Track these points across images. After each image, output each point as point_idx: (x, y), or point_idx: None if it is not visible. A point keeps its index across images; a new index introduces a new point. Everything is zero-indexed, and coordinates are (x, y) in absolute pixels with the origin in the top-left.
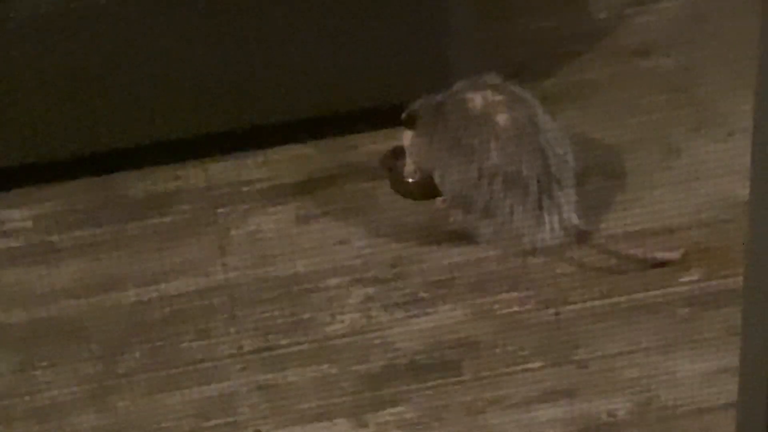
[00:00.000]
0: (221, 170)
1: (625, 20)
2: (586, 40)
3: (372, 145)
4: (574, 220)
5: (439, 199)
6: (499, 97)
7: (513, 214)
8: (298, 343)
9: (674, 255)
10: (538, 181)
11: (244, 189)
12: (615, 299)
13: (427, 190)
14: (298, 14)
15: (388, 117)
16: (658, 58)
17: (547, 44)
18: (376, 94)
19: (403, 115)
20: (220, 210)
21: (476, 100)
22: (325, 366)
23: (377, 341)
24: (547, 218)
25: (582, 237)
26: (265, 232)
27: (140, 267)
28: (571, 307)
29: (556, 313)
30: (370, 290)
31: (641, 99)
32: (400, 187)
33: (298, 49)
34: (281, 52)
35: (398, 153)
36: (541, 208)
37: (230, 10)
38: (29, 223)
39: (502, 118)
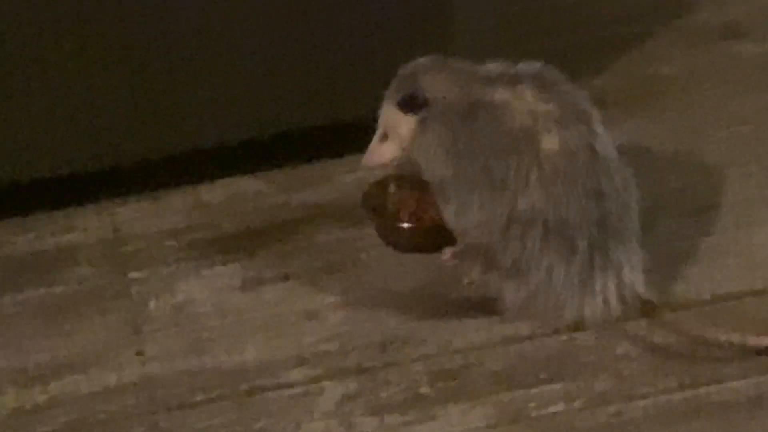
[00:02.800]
0: (134, 216)
1: None
2: (654, 18)
3: (349, 175)
4: (639, 286)
5: (448, 250)
6: (548, 106)
7: (552, 277)
8: None
9: None
10: (590, 234)
11: (168, 243)
12: (700, 391)
13: (429, 236)
14: None
15: (372, 132)
16: (755, 42)
17: (596, 25)
18: (353, 103)
19: (402, 96)
20: (133, 274)
21: (516, 106)
22: None
23: None
24: (599, 284)
25: (649, 310)
26: (197, 305)
27: (20, 360)
28: (639, 403)
29: (617, 413)
30: (351, 386)
31: (733, 101)
32: (391, 233)
33: (236, 43)
34: (213, 48)
35: (386, 186)
36: (592, 269)
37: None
38: None
39: (549, 140)
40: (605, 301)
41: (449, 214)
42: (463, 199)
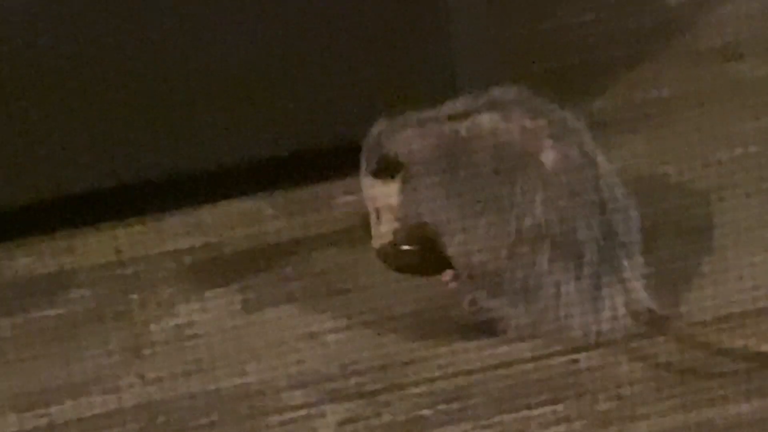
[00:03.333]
0: (135, 238)
1: (706, 9)
2: (652, 38)
3: (349, 197)
4: (646, 301)
5: (449, 272)
6: (538, 123)
7: (561, 293)
8: None
9: None
10: (597, 245)
11: (168, 265)
12: (705, 413)
13: (430, 259)
14: (239, 12)
15: None
16: (756, 64)
17: (595, 46)
18: (354, 126)
19: (374, 163)
20: (133, 296)
21: (507, 128)
22: None
23: None
24: (607, 298)
25: (658, 324)
26: (198, 327)
27: (20, 383)
28: (640, 424)
29: None
30: (351, 408)
31: (734, 124)
32: (391, 256)
33: (237, 66)
34: (214, 71)
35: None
36: (599, 282)
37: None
38: None
39: (548, 155)
40: (613, 317)
41: (453, 245)
42: (468, 224)
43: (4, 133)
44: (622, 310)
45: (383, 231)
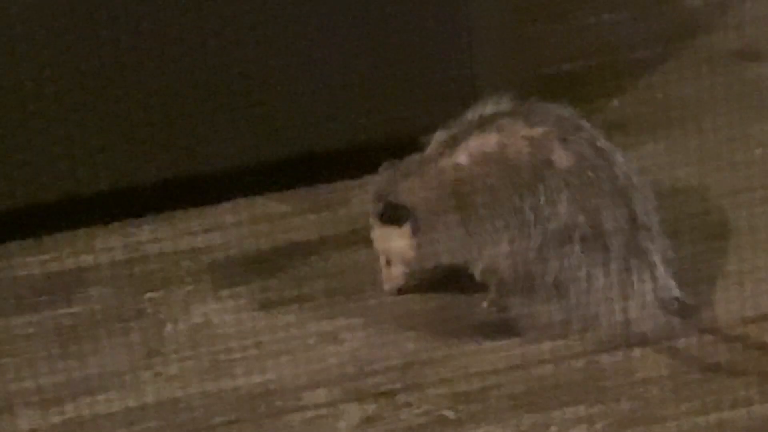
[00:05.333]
0: (152, 237)
1: (725, 11)
2: (670, 40)
3: (366, 196)
4: (673, 289)
5: (487, 300)
6: (542, 129)
7: (591, 287)
8: None
9: None
10: (623, 232)
11: (185, 263)
12: (727, 414)
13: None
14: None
15: (392, 153)
16: None
17: (614, 47)
18: (372, 126)
19: (379, 210)
20: (150, 295)
21: (514, 141)
22: None
23: None
24: (637, 285)
25: (686, 314)
26: (215, 327)
27: (37, 380)
28: (661, 426)
29: None
30: (370, 408)
31: (753, 125)
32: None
33: (254, 65)
34: (231, 69)
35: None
36: (629, 271)
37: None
38: None
39: (561, 158)
40: (643, 304)
41: (480, 269)
42: (492, 249)
43: (23, 133)
44: (650, 297)
45: (394, 276)
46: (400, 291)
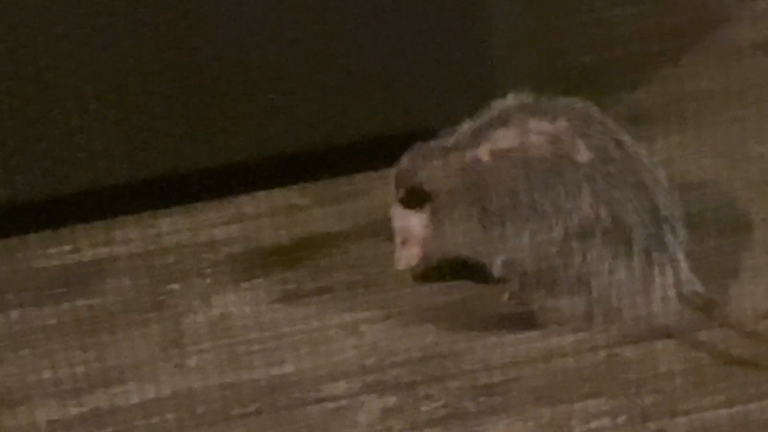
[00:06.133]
0: (173, 228)
1: (743, 3)
2: (690, 33)
3: (386, 188)
4: (693, 283)
5: (506, 292)
6: (560, 124)
7: (614, 279)
8: None
9: None
10: (645, 224)
11: (205, 255)
12: (749, 407)
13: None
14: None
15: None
16: None
17: (632, 40)
18: (392, 118)
19: (401, 193)
20: (171, 287)
21: (533, 138)
22: None
23: None
24: (658, 279)
25: (708, 309)
26: (235, 319)
27: (56, 372)
28: (682, 419)
29: (661, 429)
30: (391, 400)
31: None
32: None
33: (276, 58)
34: (254, 62)
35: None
36: (651, 264)
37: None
38: None
39: (581, 153)
40: (664, 297)
41: (499, 266)
42: (512, 245)
43: (41, 126)
44: (672, 292)
45: (409, 257)
46: (418, 278)
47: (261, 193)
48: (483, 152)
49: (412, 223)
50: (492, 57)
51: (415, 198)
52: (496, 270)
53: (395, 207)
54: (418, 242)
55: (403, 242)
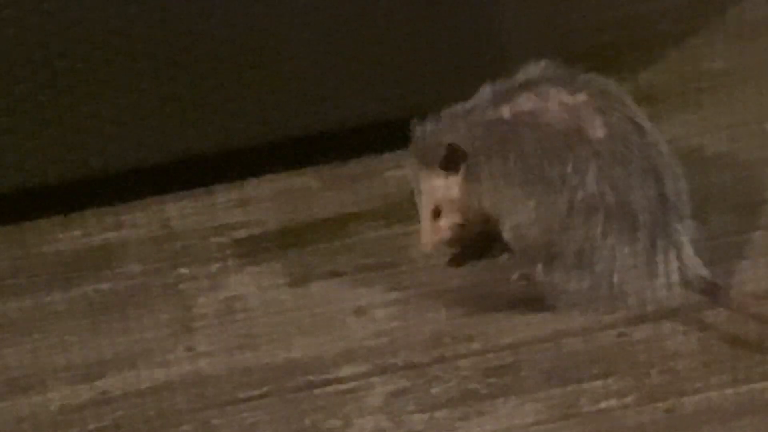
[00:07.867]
0: (183, 212)
1: None
2: (703, 13)
3: (397, 170)
4: (698, 268)
5: (516, 273)
6: (579, 97)
7: (616, 260)
8: None
9: None
10: (651, 210)
11: (215, 239)
12: (754, 387)
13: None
14: None
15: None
16: None
17: (645, 19)
18: (402, 100)
19: (442, 154)
20: (181, 270)
21: (551, 107)
22: None
23: None
24: (662, 264)
25: (712, 293)
26: (246, 301)
27: (67, 357)
28: (691, 399)
29: (670, 409)
30: (401, 382)
31: None
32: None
33: (283, 40)
34: (260, 45)
35: None
36: (654, 249)
37: None
38: None
39: (596, 129)
40: (668, 282)
41: (508, 229)
42: (521, 207)
43: (50, 111)
44: (675, 276)
45: (443, 226)
46: (454, 258)
47: (271, 177)
48: (505, 111)
49: (447, 187)
50: (503, 37)
51: (454, 160)
52: (506, 233)
53: (425, 177)
54: (454, 208)
55: (437, 213)
